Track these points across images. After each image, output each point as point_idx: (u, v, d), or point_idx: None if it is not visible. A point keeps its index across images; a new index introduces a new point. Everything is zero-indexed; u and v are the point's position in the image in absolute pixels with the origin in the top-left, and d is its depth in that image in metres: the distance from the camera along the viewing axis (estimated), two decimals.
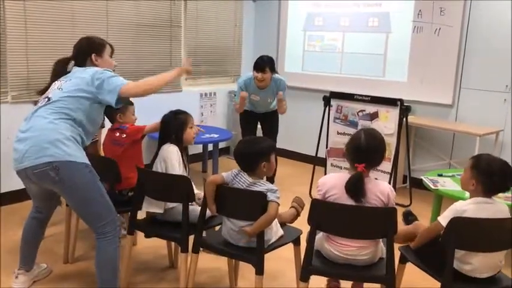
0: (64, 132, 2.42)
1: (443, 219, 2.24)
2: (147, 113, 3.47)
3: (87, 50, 2.71)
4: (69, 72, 2.67)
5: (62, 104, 2.47)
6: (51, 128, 2.41)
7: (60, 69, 2.70)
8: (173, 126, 2.87)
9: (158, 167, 2.81)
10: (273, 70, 4.39)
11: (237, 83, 4.60)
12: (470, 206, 2.23)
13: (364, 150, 2.29)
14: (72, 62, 2.73)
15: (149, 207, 2.82)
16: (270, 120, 4.68)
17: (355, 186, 2.24)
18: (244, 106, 4.49)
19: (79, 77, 2.55)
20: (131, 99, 3.01)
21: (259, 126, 4.79)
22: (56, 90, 2.54)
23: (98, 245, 2.53)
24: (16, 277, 2.83)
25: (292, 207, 2.83)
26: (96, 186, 2.50)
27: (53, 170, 2.37)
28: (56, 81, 2.61)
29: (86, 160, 2.48)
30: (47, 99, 2.52)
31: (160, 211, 2.78)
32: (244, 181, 2.46)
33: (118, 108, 3.10)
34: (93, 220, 2.51)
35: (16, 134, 2.50)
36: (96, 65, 2.68)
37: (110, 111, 3.09)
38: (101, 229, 2.50)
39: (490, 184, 2.25)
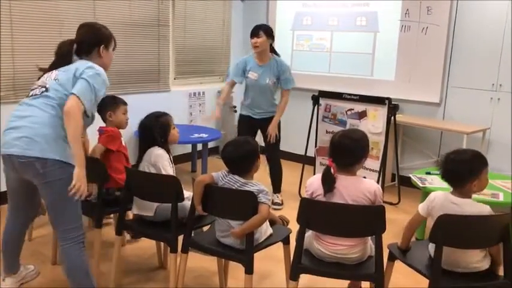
0: (58, 131, 2.38)
1: (421, 208, 2.38)
2: (136, 113, 3.43)
3: (96, 41, 2.57)
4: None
5: (58, 98, 2.41)
6: (47, 123, 2.37)
7: (65, 52, 2.54)
8: (157, 130, 2.82)
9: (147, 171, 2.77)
10: (269, 36, 4.16)
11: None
12: (438, 201, 2.30)
13: (336, 146, 2.37)
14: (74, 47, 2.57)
15: (140, 210, 2.80)
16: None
17: (324, 179, 2.32)
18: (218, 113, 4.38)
19: (74, 74, 2.42)
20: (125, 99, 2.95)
21: (259, 133, 4.50)
22: (52, 80, 2.46)
23: (65, 251, 2.48)
24: (3, 280, 2.80)
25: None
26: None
27: (39, 163, 2.34)
28: (55, 70, 2.51)
29: (73, 162, 2.43)
30: (44, 89, 2.44)
31: (151, 214, 2.76)
32: (235, 181, 2.46)
33: (109, 107, 3.08)
34: (64, 222, 2.46)
35: (10, 119, 2.44)
36: (100, 57, 2.58)
37: (100, 110, 3.03)
38: (67, 233, 2.46)
39: (449, 181, 2.33)
